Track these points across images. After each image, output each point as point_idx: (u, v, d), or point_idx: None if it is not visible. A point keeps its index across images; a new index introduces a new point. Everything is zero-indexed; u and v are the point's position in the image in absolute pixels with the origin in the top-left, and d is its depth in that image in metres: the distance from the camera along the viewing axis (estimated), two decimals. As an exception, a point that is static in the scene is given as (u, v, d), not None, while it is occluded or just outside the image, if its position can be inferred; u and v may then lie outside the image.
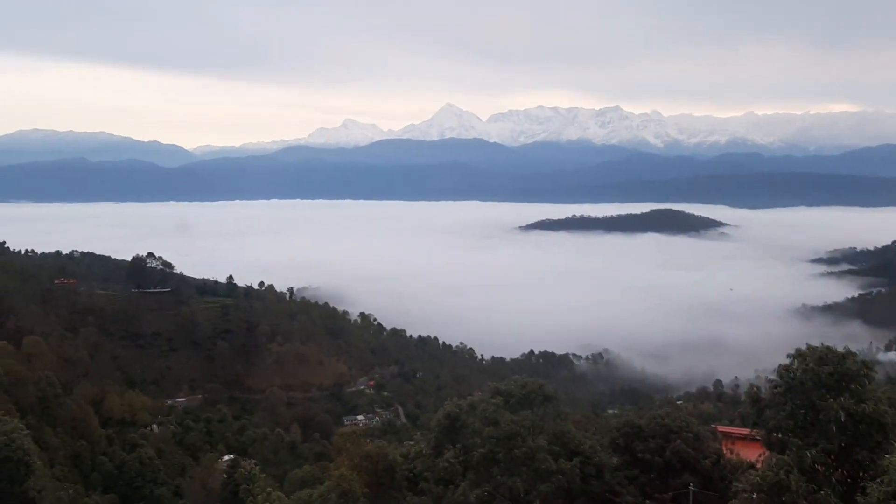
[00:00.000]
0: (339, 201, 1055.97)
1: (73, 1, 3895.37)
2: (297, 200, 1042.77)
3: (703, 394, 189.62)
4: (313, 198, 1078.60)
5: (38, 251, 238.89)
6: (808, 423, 23.83)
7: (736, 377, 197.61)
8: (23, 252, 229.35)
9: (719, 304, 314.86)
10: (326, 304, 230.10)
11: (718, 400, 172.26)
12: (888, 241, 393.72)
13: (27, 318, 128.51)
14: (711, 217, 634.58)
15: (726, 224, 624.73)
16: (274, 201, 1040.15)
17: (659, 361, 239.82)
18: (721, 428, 45.53)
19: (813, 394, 23.80)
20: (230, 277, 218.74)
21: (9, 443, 37.11)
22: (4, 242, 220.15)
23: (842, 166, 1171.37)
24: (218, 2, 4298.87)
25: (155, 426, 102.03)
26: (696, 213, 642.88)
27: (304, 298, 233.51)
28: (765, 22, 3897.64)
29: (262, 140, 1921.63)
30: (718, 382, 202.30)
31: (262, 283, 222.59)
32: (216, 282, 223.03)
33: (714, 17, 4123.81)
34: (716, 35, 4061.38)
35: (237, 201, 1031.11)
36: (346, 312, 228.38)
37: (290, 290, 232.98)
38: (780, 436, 24.67)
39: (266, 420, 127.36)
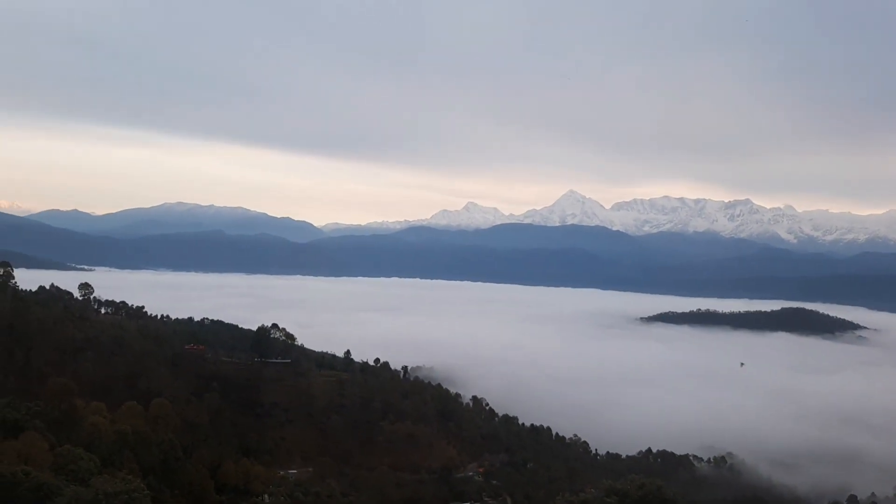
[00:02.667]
0: (459, 282, 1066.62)
1: (218, 85, 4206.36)
2: (417, 280, 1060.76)
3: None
4: (433, 278, 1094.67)
5: (173, 317, 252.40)
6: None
7: (873, 493, 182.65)
8: (159, 317, 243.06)
9: (855, 412, 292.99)
10: (439, 385, 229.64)
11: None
12: None
13: (157, 381, 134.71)
14: (848, 319, 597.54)
15: (864, 327, 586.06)
16: (395, 279, 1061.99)
17: (787, 470, 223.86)
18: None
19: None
20: (347, 352, 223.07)
21: (129, 501, 38.46)
22: (143, 307, 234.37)
23: None
24: (352, 88, 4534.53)
25: (267, 496, 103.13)
26: (832, 313, 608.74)
27: (417, 378, 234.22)
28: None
29: (386, 220, 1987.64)
30: (853, 497, 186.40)
31: (377, 360, 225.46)
32: (334, 356, 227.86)
33: (855, 112, 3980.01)
34: (857, 130, 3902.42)
35: (360, 278, 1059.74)
36: (458, 395, 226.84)
37: (405, 368, 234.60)
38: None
39: (374, 499, 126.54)
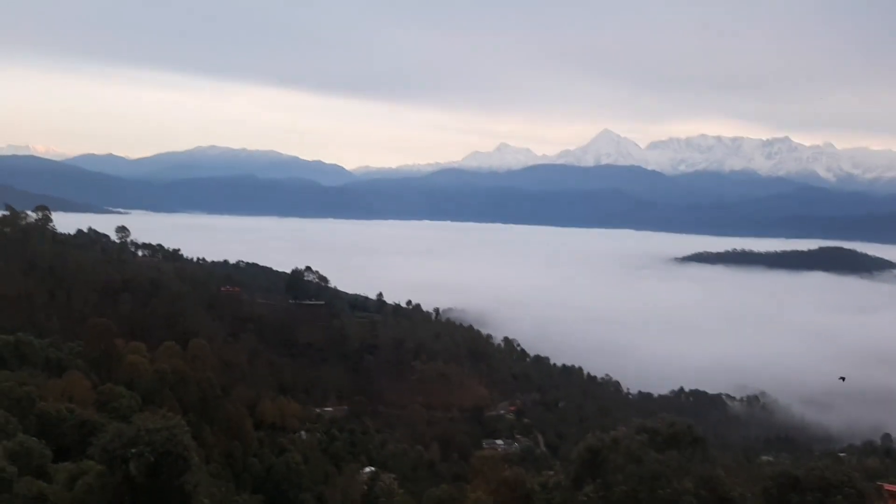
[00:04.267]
0: (490, 225, 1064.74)
1: (249, 28, 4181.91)
2: (448, 223, 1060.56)
3: (868, 448, 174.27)
4: (464, 220, 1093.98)
5: (209, 259, 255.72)
6: None
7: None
8: (195, 259, 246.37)
9: (891, 351, 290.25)
10: (471, 326, 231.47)
11: (886, 456, 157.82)
12: None
13: (194, 322, 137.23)
14: (886, 258, 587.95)
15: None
16: (426, 222, 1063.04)
17: (820, 409, 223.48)
18: (888, 486, 41.65)
19: None
20: (380, 294, 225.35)
21: (170, 437, 39.39)
22: (179, 250, 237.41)
23: None
24: (384, 29, 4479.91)
25: (303, 433, 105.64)
26: (870, 252, 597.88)
27: (448, 319, 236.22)
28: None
29: (417, 162, 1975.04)
30: (887, 437, 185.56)
31: (409, 302, 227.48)
32: (367, 298, 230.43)
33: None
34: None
35: (391, 221, 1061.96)
36: (489, 336, 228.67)
37: (436, 310, 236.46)
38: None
39: (406, 436, 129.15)
